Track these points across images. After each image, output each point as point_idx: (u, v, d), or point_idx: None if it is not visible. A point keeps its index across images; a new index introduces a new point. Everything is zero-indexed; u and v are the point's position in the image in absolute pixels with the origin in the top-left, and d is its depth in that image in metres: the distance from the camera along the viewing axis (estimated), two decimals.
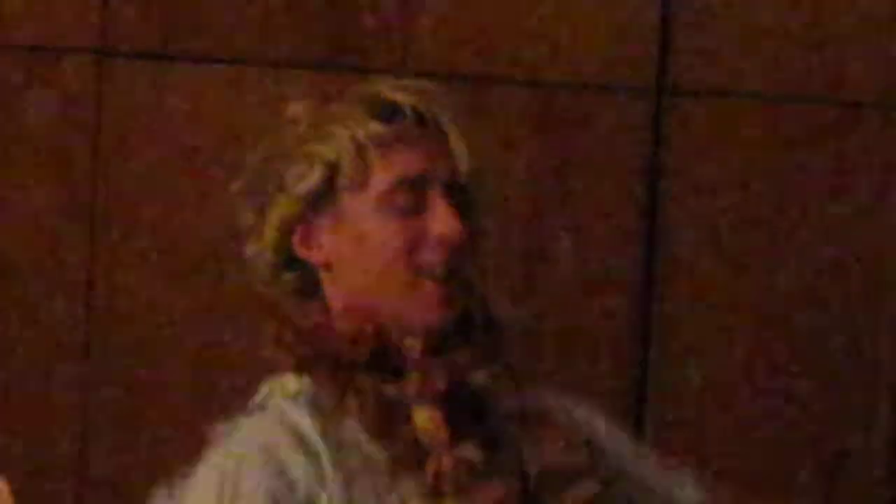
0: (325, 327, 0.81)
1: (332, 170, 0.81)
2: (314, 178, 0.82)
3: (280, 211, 0.82)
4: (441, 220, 0.79)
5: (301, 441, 0.78)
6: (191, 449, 0.78)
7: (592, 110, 1.92)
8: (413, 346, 0.80)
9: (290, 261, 0.84)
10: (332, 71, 1.86)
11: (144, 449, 1.80)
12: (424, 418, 0.79)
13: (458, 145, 0.81)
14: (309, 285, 0.84)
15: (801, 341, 1.89)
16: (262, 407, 0.83)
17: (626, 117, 1.92)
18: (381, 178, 0.80)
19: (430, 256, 0.79)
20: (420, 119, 0.80)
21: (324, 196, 0.82)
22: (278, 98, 1.48)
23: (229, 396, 0.89)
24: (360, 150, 0.80)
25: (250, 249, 0.86)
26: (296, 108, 0.87)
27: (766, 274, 1.89)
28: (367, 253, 0.80)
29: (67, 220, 1.86)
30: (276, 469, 0.76)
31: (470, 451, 0.79)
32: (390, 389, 0.80)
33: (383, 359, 0.81)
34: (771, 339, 1.89)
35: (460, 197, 0.81)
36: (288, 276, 0.84)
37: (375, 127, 0.80)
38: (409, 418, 0.79)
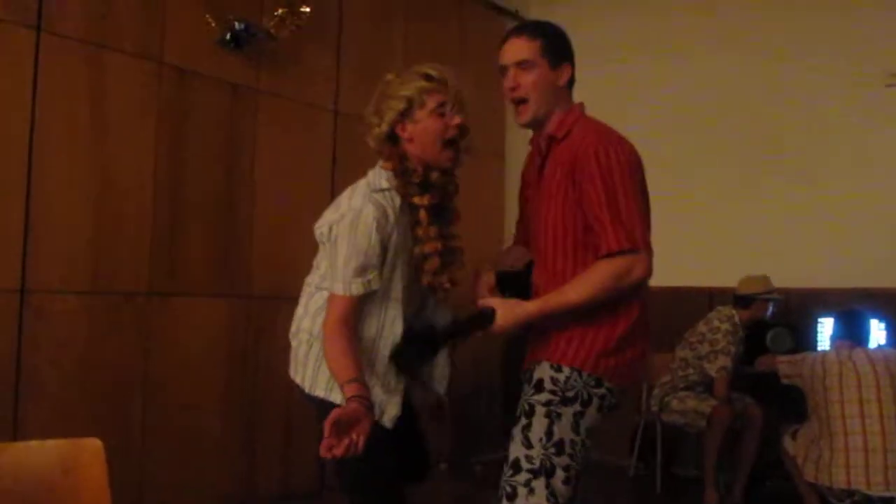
0: (406, 163, 2.02)
1: (410, 100, 2.00)
2: (402, 103, 2.01)
3: (390, 115, 2.03)
4: (455, 119, 2.01)
5: (391, 212, 1.99)
6: None
7: None
8: (435, 175, 2.03)
9: (391, 134, 2.04)
10: None
11: None
12: (423, 216, 2.02)
13: (459, 91, 2.03)
14: (397, 145, 2.04)
15: None
16: (377, 190, 2.02)
17: None
18: (430, 103, 2.00)
19: (451, 132, 2.01)
20: (442, 80, 2.02)
21: (408, 110, 2.01)
22: None
23: None
24: (421, 91, 2.00)
25: (374, 131, 2.05)
26: (389, 75, 2.07)
27: None
28: (426, 133, 2.00)
29: None
30: (383, 217, 1.96)
31: (439, 244, 2.03)
32: (416, 201, 2.02)
33: (421, 180, 2.02)
34: None
35: (463, 110, 2.03)
36: (389, 141, 2.05)
37: (427, 83, 2.01)
38: (419, 215, 2.02)
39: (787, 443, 3.72)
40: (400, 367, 2.03)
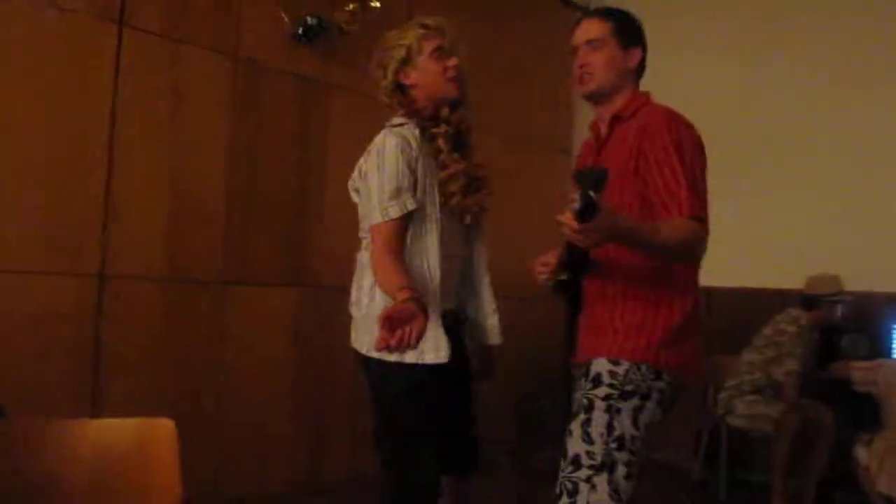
0: (416, 105, 2.15)
1: (409, 48, 2.15)
2: (402, 52, 2.16)
3: (393, 65, 2.17)
4: (452, 60, 2.14)
5: (413, 140, 2.07)
6: None
7: None
8: (445, 111, 2.15)
9: (397, 84, 2.18)
10: None
11: None
12: (442, 143, 2.13)
13: (452, 37, 2.18)
14: (405, 94, 2.17)
15: None
16: (398, 125, 2.10)
17: None
18: (428, 47, 2.15)
19: (451, 73, 2.13)
20: (438, 28, 2.17)
21: (407, 58, 2.15)
22: None
23: None
24: (419, 38, 2.16)
25: (382, 84, 2.19)
26: (391, 32, 2.23)
27: None
28: (428, 75, 2.14)
29: None
30: (406, 144, 2.05)
31: (462, 165, 2.15)
32: (433, 130, 2.14)
33: (434, 117, 2.15)
34: None
35: (458, 53, 2.17)
36: (398, 91, 2.18)
37: (423, 31, 2.17)
38: (437, 143, 2.13)
39: (860, 452, 3.61)
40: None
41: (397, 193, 2.00)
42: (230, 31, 3.75)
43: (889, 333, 4.30)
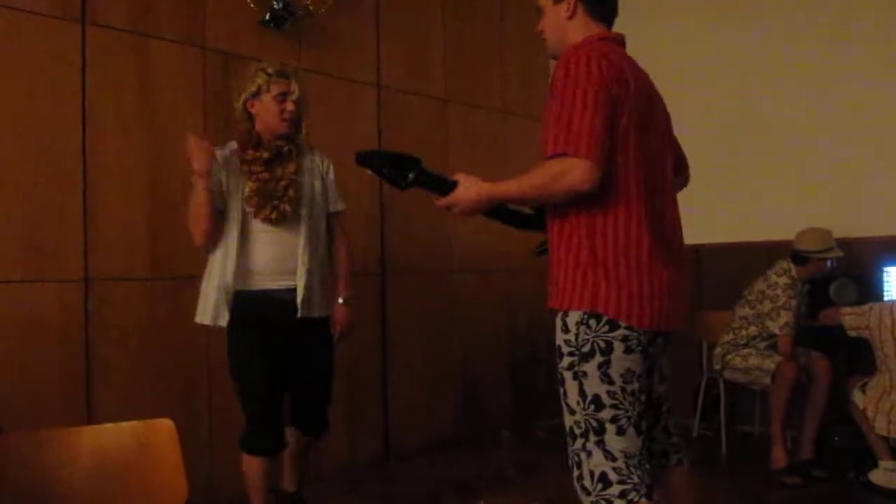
0: (254, 130, 2.82)
1: (260, 86, 2.79)
2: (254, 87, 2.81)
3: (245, 95, 2.83)
4: (289, 105, 2.79)
5: (219, 156, 2.82)
6: None
7: None
8: (267, 140, 2.81)
9: (246, 111, 2.83)
10: None
11: None
12: (252, 165, 2.78)
13: (295, 83, 2.82)
14: (251, 119, 2.83)
15: None
16: (220, 147, 2.88)
17: None
18: (272, 91, 2.79)
19: (286, 115, 2.78)
20: (283, 73, 2.82)
21: (256, 94, 2.80)
22: None
23: None
24: (268, 81, 2.79)
25: (234, 105, 2.87)
26: (249, 68, 2.89)
27: None
28: (268, 113, 2.78)
29: None
30: (215, 161, 2.76)
31: (263, 182, 2.77)
32: (247, 155, 2.80)
33: (257, 145, 2.80)
34: None
35: (296, 100, 2.81)
36: (245, 115, 2.83)
37: (272, 76, 2.80)
38: (251, 166, 2.81)
39: (857, 396, 3.66)
40: (365, 158, 2.05)
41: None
42: (196, 22, 3.71)
43: (880, 277, 4.31)
